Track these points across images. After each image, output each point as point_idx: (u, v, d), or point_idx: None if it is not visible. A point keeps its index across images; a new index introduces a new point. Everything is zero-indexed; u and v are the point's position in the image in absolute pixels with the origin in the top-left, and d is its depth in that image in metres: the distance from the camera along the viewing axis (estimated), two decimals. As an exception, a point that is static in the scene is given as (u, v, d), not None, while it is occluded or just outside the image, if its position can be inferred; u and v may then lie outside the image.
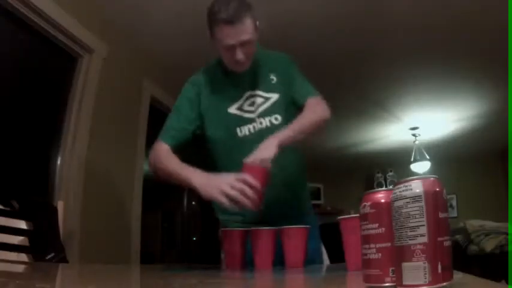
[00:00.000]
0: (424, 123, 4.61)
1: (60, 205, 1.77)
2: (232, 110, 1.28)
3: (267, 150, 1.07)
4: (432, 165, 5.05)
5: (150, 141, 2.88)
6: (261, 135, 1.19)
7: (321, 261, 1.36)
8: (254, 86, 1.30)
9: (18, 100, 1.99)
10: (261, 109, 1.28)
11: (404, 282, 0.42)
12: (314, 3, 2.44)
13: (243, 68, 1.24)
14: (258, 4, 2.43)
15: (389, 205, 0.47)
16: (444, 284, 0.41)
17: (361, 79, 3.49)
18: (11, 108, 1.94)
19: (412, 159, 5.05)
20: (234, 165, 1.14)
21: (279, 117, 1.27)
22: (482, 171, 5.85)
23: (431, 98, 3.91)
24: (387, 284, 0.47)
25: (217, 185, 1.02)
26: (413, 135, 4.89)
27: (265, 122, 1.27)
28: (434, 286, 0.41)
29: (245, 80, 1.30)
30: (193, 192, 3.96)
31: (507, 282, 2.30)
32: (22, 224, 1.39)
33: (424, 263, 0.41)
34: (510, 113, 4.13)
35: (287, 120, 1.24)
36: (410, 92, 3.80)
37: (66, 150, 2.15)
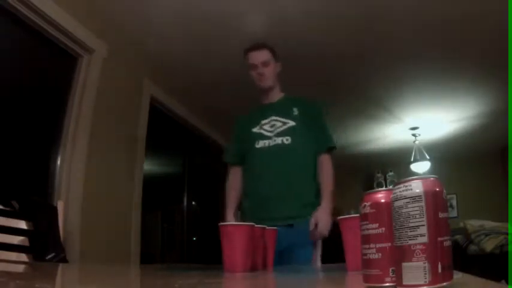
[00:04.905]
0: (424, 123, 4.60)
1: (60, 205, 1.77)
2: (256, 129, 1.76)
3: (326, 224, 1.57)
4: (432, 165, 5.04)
5: (150, 141, 2.90)
6: (274, 150, 1.67)
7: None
8: (278, 114, 1.75)
9: (18, 100, 1.99)
10: (277, 130, 1.71)
11: (404, 282, 0.42)
12: (314, 4, 2.44)
13: (266, 83, 1.77)
14: (259, 5, 2.44)
15: (389, 205, 0.47)
16: (444, 284, 0.41)
17: (361, 79, 3.49)
18: (11, 108, 1.94)
19: (412, 159, 5.05)
20: (250, 173, 1.74)
21: (290, 139, 1.68)
22: (482, 171, 5.83)
23: (431, 98, 3.91)
24: (387, 284, 0.47)
25: None
26: (413, 135, 4.89)
27: (278, 140, 1.69)
28: (434, 286, 0.40)
29: (273, 109, 1.77)
30: (193, 193, 3.91)
31: (507, 282, 2.29)
32: (22, 224, 1.38)
33: (424, 263, 0.41)
34: (510, 113, 4.12)
35: (297, 141, 1.68)
36: (410, 92, 3.79)
37: (66, 150, 2.16)
